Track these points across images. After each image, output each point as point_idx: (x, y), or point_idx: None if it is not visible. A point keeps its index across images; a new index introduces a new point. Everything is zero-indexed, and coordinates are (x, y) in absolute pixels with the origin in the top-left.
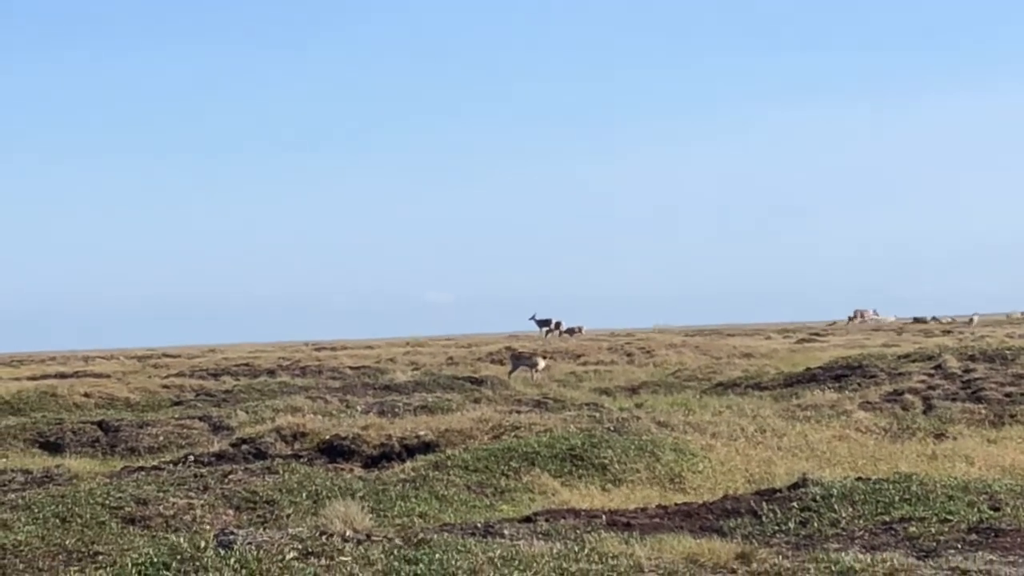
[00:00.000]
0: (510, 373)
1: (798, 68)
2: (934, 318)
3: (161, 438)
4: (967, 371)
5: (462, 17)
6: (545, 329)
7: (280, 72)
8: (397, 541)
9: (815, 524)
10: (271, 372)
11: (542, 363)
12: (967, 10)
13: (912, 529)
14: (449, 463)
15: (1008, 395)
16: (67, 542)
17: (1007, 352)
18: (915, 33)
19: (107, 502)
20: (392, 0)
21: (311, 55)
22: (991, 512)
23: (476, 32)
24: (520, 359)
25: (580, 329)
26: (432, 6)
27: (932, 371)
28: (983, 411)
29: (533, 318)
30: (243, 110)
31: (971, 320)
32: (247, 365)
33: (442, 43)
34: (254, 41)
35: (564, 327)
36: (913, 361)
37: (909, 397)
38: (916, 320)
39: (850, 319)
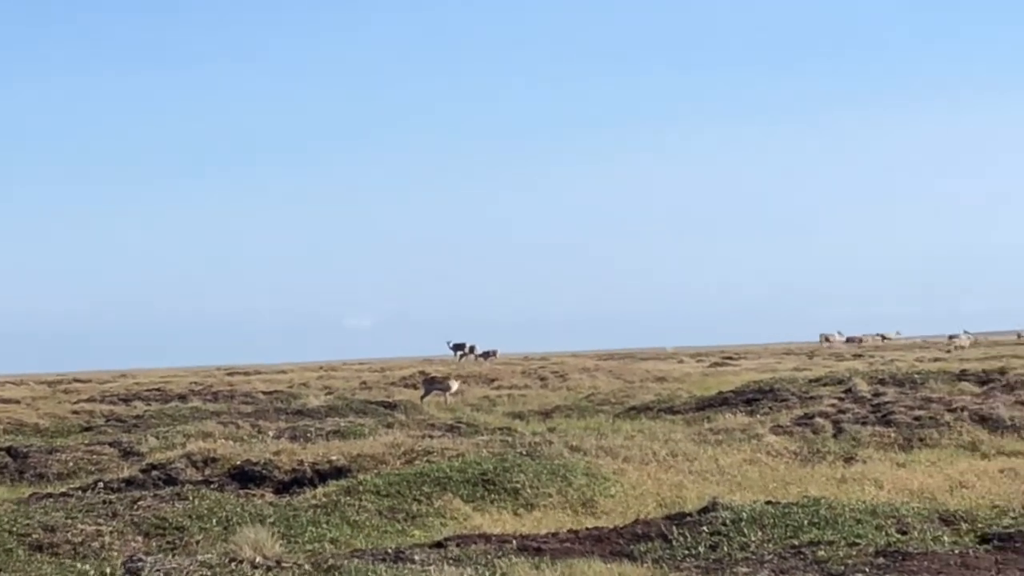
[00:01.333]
0: (423, 397)
1: (706, 88)
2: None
3: (70, 464)
4: (877, 395)
5: (366, 37)
6: (460, 353)
7: (186, 94)
8: (307, 567)
9: (725, 548)
10: (183, 397)
11: (455, 386)
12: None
13: (821, 553)
14: (361, 488)
15: (917, 419)
16: None
17: (916, 376)
18: (820, 56)
19: (14, 529)
20: (290, 34)
21: (210, 73)
22: (899, 536)
23: (386, 54)
24: (433, 383)
25: (495, 353)
26: (331, 36)
27: (843, 395)
28: (892, 435)
29: (449, 343)
30: (147, 131)
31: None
32: (159, 390)
33: (353, 64)
34: (143, 59)
35: (479, 351)
36: (824, 385)
37: (820, 421)
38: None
39: (820, 342)
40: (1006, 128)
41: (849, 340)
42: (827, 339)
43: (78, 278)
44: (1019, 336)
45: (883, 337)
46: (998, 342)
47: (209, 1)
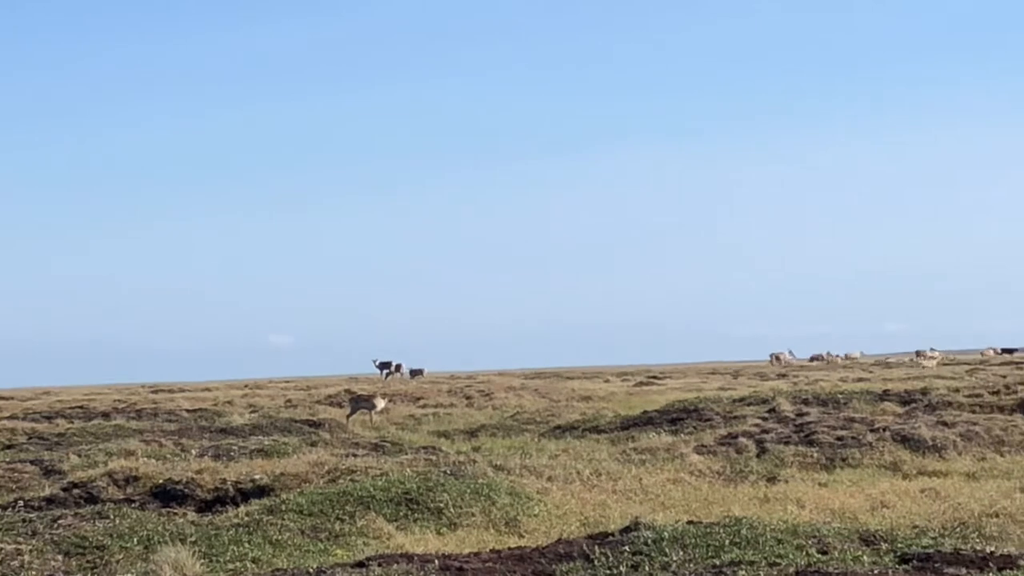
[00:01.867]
0: (348, 416)
1: (623, 110)
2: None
3: None
4: (800, 415)
5: (303, 59)
6: (386, 372)
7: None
8: None
9: (646, 568)
10: (106, 415)
11: (381, 404)
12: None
13: (742, 573)
14: (283, 507)
15: (839, 439)
16: None
17: (839, 396)
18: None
19: None
20: (225, 60)
21: (130, 91)
22: (819, 556)
23: (315, 71)
24: (359, 401)
25: (422, 371)
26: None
27: (766, 415)
28: (815, 454)
29: (375, 361)
30: (79, 146)
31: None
32: (82, 408)
33: (287, 85)
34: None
35: (405, 369)
36: (748, 405)
37: (743, 440)
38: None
39: (771, 361)
40: (951, 150)
41: (814, 359)
42: (777, 358)
43: (1, 297)
44: (981, 354)
45: (847, 356)
46: (963, 360)
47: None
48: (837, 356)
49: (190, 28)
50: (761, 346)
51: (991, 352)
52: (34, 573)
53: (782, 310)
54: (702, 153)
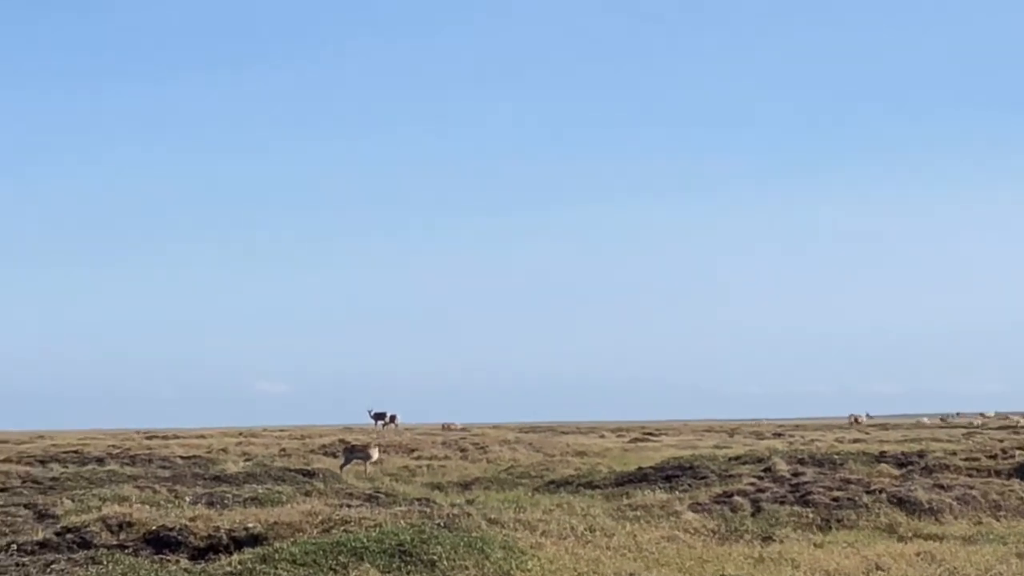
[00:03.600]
0: (343, 466)
1: (629, 164)
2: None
3: None
4: (796, 474)
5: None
6: (380, 422)
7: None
8: None
9: None
10: (100, 460)
11: (375, 455)
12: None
13: None
14: (277, 556)
15: (835, 499)
16: None
17: (835, 456)
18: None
19: None
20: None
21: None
22: None
23: (309, 107)
24: (353, 452)
25: (395, 417)
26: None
27: (762, 474)
28: (811, 515)
29: (370, 411)
30: (66, 190)
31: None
32: (76, 452)
33: (276, 121)
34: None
35: (400, 420)
36: (744, 463)
37: (738, 499)
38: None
39: (849, 422)
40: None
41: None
42: (856, 420)
43: None
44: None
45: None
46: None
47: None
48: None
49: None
50: (755, 404)
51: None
52: None
53: (777, 369)
54: (700, 210)
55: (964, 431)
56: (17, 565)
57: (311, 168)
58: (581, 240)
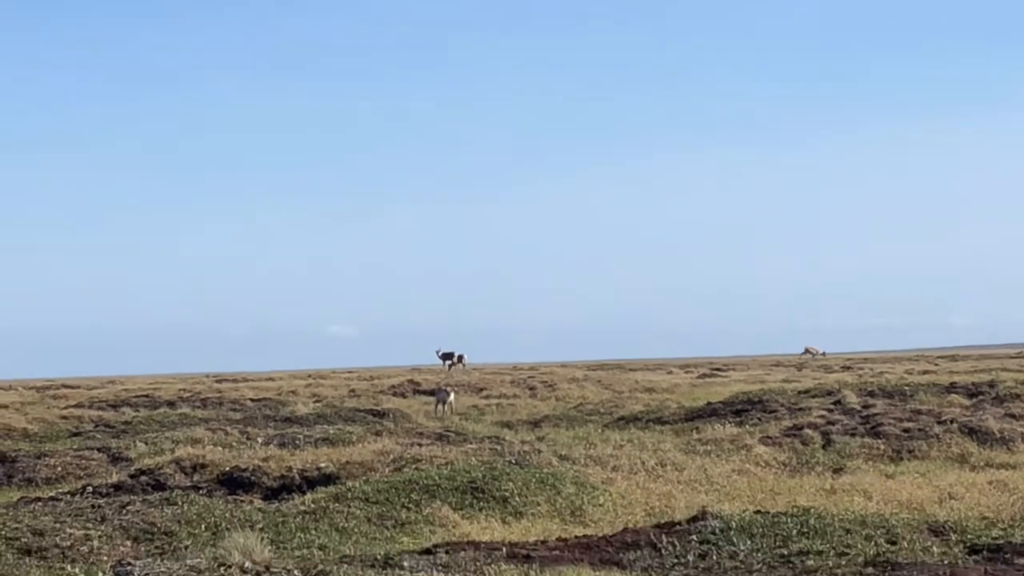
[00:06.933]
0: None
1: (692, 105)
2: None
3: (59, 469)
4: (866, 407)
5: (337, 38)
6: (448, 362)
7: (177, 99)
8: (296, 573)
9: (714, 557)
10: (171, 404)
11: (452, 397)
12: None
13: (810, 562)
14: (349, 495)
15: (906, 431)
16: None
17: (905, 388)
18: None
19: (3, 532)
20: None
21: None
22: (888, 546)
23: (365, 64)
24: (440, 392)
25: (462, 357)
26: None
27: (832, 406)
28: (881, 446)
29: (438, 351)
30: (144, 135)
31: None
32: (147, 396)
33: (347, 74)
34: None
35: (467, 360)
36: (813, 397)
37: (808, 432)
38: None
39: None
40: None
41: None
42: (808, 351)
43: (68, 285)
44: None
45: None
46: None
47: None
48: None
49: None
50: (822, 339)
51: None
52: (104, 558)
53: (846, 303)
54: (773, 153)
55: None
56: (93, 507)
57: (379, 120)
58: (642, 181)
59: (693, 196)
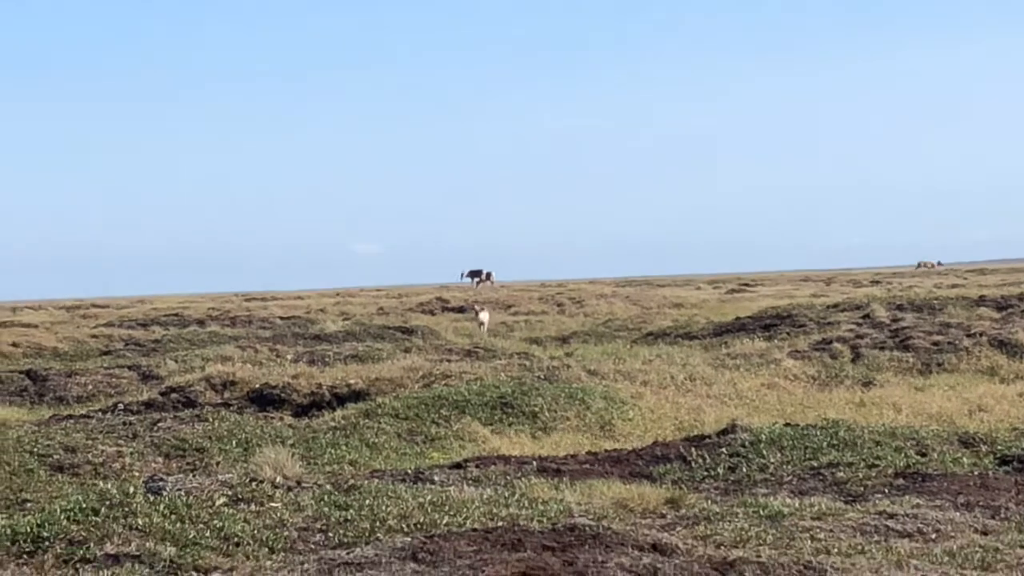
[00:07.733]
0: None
1: (730, 29)
2: None
3: (90, 387)
4: (895, 320)
5: None
6: (476, 279)
7: (204, 22)
8: (327, 487)
9: (744, 469)
10: (201, 322)
11: (484, 316)
12: None
13: (840, 474)
14: (379, 411)
15: (935, 344)
16: None
17: (935, 302)
18: None
19: (35, 450)
20: None
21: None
22: (918, 458)
23: None
24: (472, 310)
25: (490, 275)
26: None
27: (860, 320)
28: (911, 360)
29: (464, 271)
30: (167, 61)
31: None
32: (177, 315)
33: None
34: None
35: (495, 278)
36: (842, 311)
37: (838, 346)
38: None
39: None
40: None
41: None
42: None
43: (96, 205)
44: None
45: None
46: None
47: None
48: (930, 262)
49: None
50: (854, 255)
51: None
52: (136, 474)
53: (872, 220)
54: (800, 67)
55: None
56: (124, 424)
57: (409, 28)
58: (676, 92)
59: (715, 111)
